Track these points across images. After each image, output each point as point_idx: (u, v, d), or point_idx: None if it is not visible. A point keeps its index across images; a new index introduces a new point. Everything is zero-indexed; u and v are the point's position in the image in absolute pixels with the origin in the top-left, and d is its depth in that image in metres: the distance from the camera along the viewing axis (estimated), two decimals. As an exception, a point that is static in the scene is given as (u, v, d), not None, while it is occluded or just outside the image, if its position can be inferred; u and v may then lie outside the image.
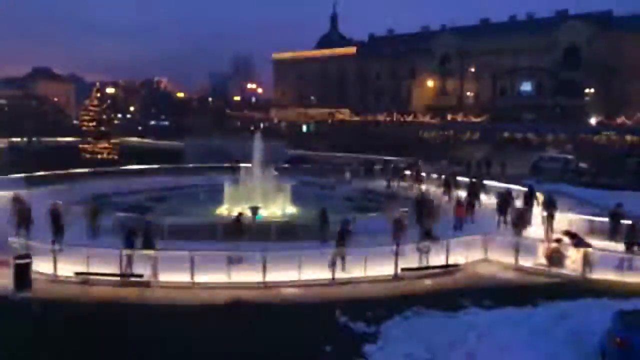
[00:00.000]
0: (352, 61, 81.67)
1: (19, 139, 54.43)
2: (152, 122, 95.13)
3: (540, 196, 21.64)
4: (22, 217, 16.97)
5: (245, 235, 15.99)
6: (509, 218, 19.78)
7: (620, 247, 16.36)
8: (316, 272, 14.02)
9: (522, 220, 18.47)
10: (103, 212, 18.46)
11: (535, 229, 19.70)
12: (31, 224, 16.79)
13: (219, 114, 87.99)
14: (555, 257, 15.32)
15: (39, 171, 28.48)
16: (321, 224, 17.33)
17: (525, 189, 22.79)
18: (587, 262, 14.62)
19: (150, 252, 14.19)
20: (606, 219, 18.82)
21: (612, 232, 18.03)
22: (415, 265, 14.90)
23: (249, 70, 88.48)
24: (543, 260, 15.56)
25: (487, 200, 24.13)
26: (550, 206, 19.50)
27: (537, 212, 20.93)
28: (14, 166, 31.66)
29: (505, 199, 20.89)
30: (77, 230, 17.19)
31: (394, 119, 69.26)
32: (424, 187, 27.42)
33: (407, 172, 32.08)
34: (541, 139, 54.74)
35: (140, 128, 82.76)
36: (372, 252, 14.76)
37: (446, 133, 62.70)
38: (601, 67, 54.71)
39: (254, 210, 21.55)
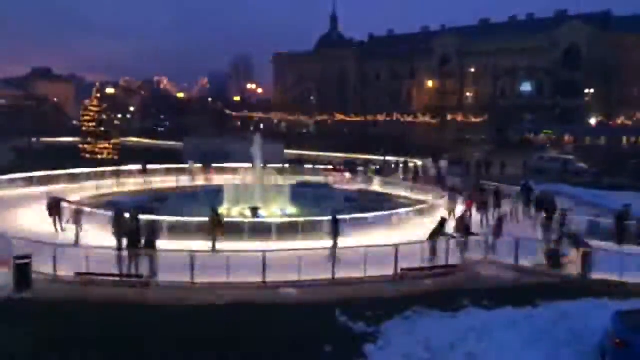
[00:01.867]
0: (352, 61, 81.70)
1: (19, 139, 54.36)
2: (152, 122, 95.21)
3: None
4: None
5: (340, 235, 16.44)
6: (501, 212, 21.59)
7: (627, 248, 16.36)
8: (316, 271, 14.05)
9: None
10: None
11: (534, 229, 19.74)
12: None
13: (218, 114, 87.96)
14: (554, 258, 15.34)
15: (39, 171, 28.48)
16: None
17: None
18: (586, 262, 14.63)
19: (151, 252, 14.20)
20: (607, 220, 18.85)
21: (619, 234, 17.90)
22: (415, 265, 14.91)
23: (248, 71, 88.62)
24: (543, 261, 15.58)
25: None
26: (549, 206, 19.52)
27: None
28: (14, 166, 31.67)
29: (497, 195, 22.69)
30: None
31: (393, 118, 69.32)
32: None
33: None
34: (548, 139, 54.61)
35: (161, 129, 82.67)
36: (372, 251, 14.78)
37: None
38: (601, 67, 54.74)
39: (254, 210, 21.59)
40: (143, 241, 14.58)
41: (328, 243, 16.01)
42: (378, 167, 37.40)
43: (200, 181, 32.38)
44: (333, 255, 14.76)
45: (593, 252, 14.98)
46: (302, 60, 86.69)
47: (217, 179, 31.93)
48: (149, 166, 32.91)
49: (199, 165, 34.09)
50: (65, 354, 9.62)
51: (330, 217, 16.91)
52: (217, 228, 16.36)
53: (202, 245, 15.86)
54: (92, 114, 46.09)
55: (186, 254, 13.92)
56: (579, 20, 62.78)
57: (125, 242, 14.66)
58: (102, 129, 45.65)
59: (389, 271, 14.46)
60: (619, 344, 8.58)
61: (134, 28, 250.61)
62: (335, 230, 16.29)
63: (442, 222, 16.64)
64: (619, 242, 17.51)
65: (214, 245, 15.96)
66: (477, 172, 34.95)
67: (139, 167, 32.36)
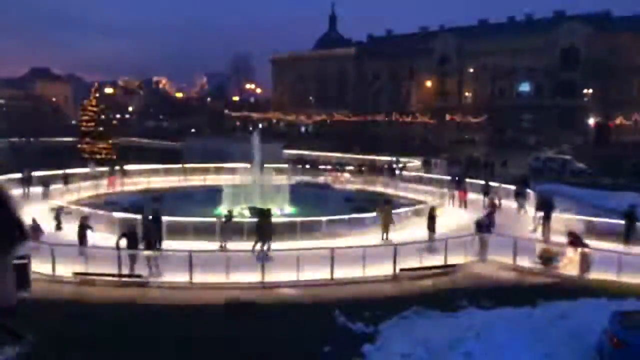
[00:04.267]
0: (351, 61, 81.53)
1: (17, 139, 54.13)
2: (151, 122, 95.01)
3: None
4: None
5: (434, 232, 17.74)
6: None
7: (636, 249, 16.40)
8: (315, 272, 14.04)
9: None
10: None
11: (533, 229, 19.76)
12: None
13: (217, 114, 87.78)
14: (546, 257, 15.35)
15: (39, 171, 28.31)
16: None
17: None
18: (585, 262, 14.65)
19: (150, 252, 14.19)
20: (605, 220, 18.88)
21: (627, 235, 17.84)
22: (414, 265, 14.91)
23: (247, 70, 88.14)
24: (538, 260, 15.59)
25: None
26: (547, 206, 19.52)
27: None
28: (13, 166, 31.51)
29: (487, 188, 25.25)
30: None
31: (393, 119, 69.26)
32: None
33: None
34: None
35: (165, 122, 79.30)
36: (370, 251, 14.79)
37: None
38: (599, 67, 54.64)
39: (252, 210, 21.52)
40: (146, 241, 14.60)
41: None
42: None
43: (103, 188, 27.81)
44: (432, 248, 16.19)
45: (592, 252, 15.00)
46: (301, 60, 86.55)
47: (131, 185, 28.78)
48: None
49: (105, 168, 29.97)
50: (63, 354, 9.61)
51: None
52: (389, 219, 18.33)
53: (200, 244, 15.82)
54: (90, 113, 45.93)
55: (185, 253, 13.93)
56: (577, 21, 62.75)
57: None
58: (101, 128, 45.50)
59: (388, 271, 14.46)
60: (617, 344, 8.58)
61: (133, 28, 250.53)
62: (432, 225, 17.78)
63: (489, 215, 17.29)
64: (626, 242, 17.50)
65: (386, 238, 17.89)
66: (477, 172, 34.91)
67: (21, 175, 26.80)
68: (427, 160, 41.01)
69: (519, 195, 23.85)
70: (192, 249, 14.39)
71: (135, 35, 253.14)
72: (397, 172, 34.11)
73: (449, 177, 29.08)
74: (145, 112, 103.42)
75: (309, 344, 10.17)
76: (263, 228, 15.70)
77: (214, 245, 16.36)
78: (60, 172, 27.73)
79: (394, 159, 40.32)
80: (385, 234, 18.09)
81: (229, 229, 17.03)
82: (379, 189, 29.82)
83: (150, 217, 16.22)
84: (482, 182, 26.52)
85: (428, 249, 16.11)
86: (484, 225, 16.67)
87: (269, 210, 16.96)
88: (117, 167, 30.22)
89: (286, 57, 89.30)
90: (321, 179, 32.90)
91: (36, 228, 16.09)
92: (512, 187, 25.22)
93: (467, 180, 27.05)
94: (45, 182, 25.53)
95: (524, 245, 15.97)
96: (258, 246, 15.34)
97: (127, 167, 30.94)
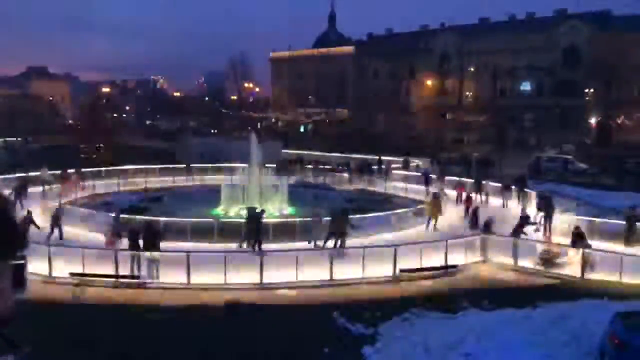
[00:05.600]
0: (351, 60, 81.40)
1: (14, 139, 53.79)
2: (148, 122, 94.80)
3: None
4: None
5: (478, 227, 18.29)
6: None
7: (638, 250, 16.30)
8: (314, 272, 13.93)
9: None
10: None
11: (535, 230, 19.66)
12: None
13: (215, 113, 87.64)
14: (547, 258, 15.25)
15: (36, 171, 28.15)
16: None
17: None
18: (586, 262, 14.55)
19: (148, 253, 14.08)
20: (607, 220, 18.80)
21: (628, 234, 17.75)
22: (414, 266, 14.80)
23: (246, 70, 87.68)
24: (539, 261, 15.48)
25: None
26: (548, 207, 19.43)
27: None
28: (10, 166, 31.39)
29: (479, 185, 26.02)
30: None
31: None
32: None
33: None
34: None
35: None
36: (370, 252, 14.69)
37: None
38: (601, 67, 54.54)
39: (251, 210, 21.38)
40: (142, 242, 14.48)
41: None
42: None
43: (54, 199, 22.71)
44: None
45: (593, 253, 14.90)
46: (300, 59, 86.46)
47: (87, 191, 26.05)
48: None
49: (54, 172, 26.74)
50: (59, 355, 9.51)
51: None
52: (437, 209, 19.94)
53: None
54: (87, 113, 45.63)
55: (183, 254, 13.82)
56: (578, 20, 62.68)
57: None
58: (97, 128, 45.22)
59: (388, 272, 14.36)
60: (618, 345, 8.51)
61: (130, 27, 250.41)
62: (476, 221, 19.10)
63: (524, 220, 17.10)
64: (626, 243, 17.41)
65: (434, 225, 19.46)
66: (477, 172, 34.77)
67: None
68: (438, 160, 40.38)
69: (507, 190, 24.67)
70: (190, 250, 14.30)
71: (133, 34, 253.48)
72: (378, 171, 33.58)
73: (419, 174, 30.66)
74: (142, 112, 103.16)
75: (308, 346, 10.09)
76: (336, 226, 16.45)
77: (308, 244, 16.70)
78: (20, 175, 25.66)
79: (380, 158, 40.11)
80: (434, 223, 19.58)
81: (319, 227, 17.21)
82: (380, 189, 29.63)
83: (249, 217, 16.79)
84: (473, 180, 26.76)
85: (467, 245, 15.90)
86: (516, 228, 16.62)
87: (346, 210, 18.02)
88: (71, 170, 26.88)
89: (285, 56, 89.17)
90: (320, 179, 32.74)
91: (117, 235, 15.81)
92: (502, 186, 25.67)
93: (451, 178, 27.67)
94: (16, 187, 22.94)
95: (524, 245, 15.87)
96: (330, 243, 16.10)
97: (84, 170, 28.14)
